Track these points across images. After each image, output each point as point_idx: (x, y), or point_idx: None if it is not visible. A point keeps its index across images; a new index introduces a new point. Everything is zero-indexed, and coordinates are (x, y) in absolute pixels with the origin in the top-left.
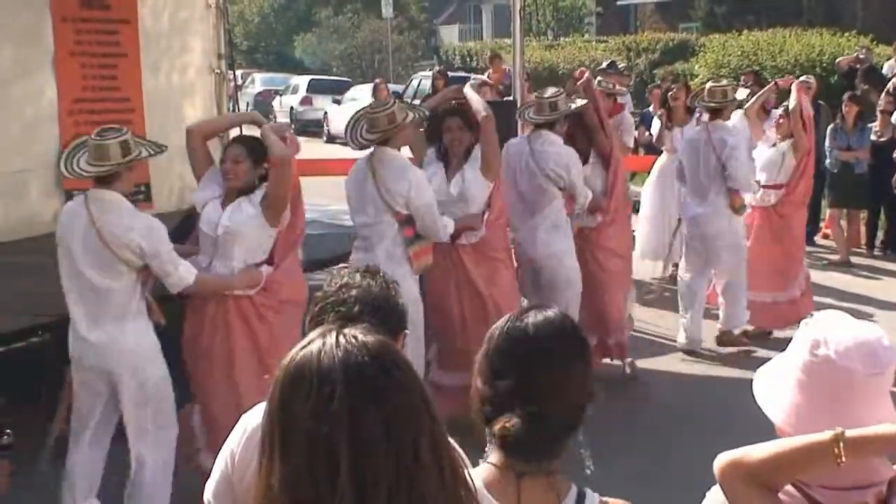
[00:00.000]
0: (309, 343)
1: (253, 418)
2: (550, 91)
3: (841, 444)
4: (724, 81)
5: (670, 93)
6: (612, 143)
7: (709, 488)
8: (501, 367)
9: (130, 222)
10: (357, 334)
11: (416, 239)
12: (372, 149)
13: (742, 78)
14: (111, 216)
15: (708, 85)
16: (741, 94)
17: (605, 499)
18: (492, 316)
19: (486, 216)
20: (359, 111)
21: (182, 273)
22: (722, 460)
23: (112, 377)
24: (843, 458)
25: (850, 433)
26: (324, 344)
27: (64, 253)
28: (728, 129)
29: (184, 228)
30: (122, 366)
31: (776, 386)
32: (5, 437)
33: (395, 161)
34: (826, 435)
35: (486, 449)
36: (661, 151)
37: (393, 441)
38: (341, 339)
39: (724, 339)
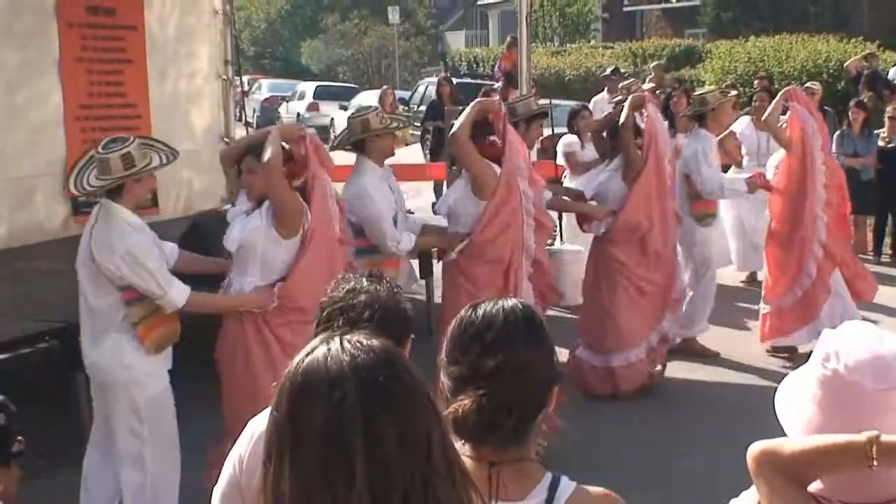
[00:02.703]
0: (313, 349)
1: (260, 423)
2: None
3: (874, 448)
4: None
5: (672, 100)
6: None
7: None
8: (454, 355)
9: (114, 243)
10: (361, 339)
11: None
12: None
13: (756, 83)
14: (100, 233)
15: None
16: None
17: (583, 486)
18: None
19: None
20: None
21: (172, 294)
22: (756, 449)
23: (105, 393)
24: (876, 462)
25: (885, 437)
26: (329, 349)
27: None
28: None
29: (190, 236)
30: (110, 382)
31: (793, 399)
32: (17, 443)
33: None
34: (862, 436)
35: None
36: None
37: (406, 444)
38: (346, 343)
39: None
